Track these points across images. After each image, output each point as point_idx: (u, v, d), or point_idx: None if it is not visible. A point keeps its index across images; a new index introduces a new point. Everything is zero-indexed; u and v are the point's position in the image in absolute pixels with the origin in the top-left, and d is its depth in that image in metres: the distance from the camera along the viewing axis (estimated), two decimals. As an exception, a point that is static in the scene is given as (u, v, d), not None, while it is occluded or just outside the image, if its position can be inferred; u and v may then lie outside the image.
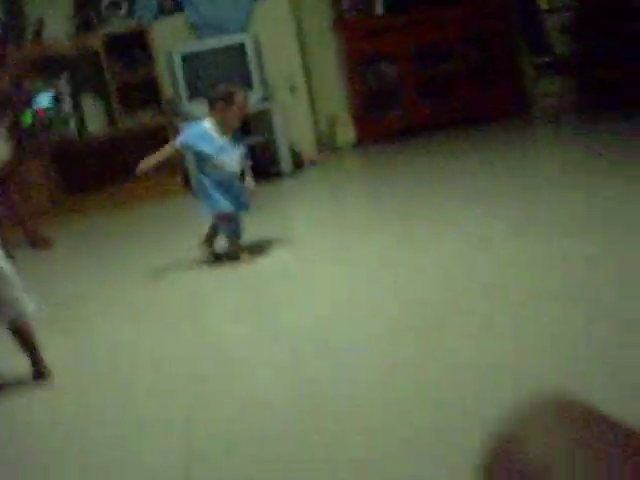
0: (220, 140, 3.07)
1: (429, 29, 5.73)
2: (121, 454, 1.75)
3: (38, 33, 5.06)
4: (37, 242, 4.27)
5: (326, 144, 6.03)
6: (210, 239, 3.35)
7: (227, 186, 3.12)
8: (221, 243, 3.35)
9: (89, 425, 1.95)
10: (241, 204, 3.18)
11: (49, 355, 2.29)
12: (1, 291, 2.13)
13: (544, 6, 5.74)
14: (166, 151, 3.13)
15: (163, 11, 5.54)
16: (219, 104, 3.03)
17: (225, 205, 3.11)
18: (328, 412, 1.77)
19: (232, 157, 3.10)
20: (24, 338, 2.22)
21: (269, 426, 1.74)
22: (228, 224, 3.20)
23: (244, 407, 1.87)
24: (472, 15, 5.76)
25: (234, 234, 3.24)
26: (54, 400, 2.16)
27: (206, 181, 3.10)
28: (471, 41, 5.83)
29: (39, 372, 2.25)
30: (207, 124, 3.08)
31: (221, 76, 5.09)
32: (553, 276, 2.39)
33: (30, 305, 2.19)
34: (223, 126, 3.07)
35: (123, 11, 5.03)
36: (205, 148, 3.06)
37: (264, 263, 3.20)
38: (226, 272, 3.19)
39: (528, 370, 1.76)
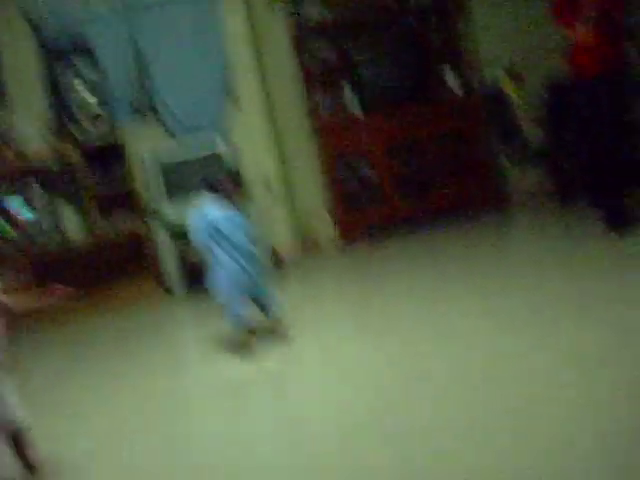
0: None
1: (403, 126, 5.81)
2: None
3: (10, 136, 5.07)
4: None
5: (306, 241, 5.98)
6: None
7: None
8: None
9: None
10: None
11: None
12: None
13: (514, 98, 5.88)
14: None
15: (137, 111, 5.58)
16: None
17: None
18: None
19: None
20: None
21: None
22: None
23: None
24: (444, 111, 5.88)
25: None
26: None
27: None
28: (444, 136, 5.91)
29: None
30: None
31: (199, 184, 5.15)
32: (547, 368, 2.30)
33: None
34: None
35: (104, 125, 5.07)
36: None
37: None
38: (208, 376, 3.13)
39: None
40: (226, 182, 3.34)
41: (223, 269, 3.22)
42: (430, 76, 6.01)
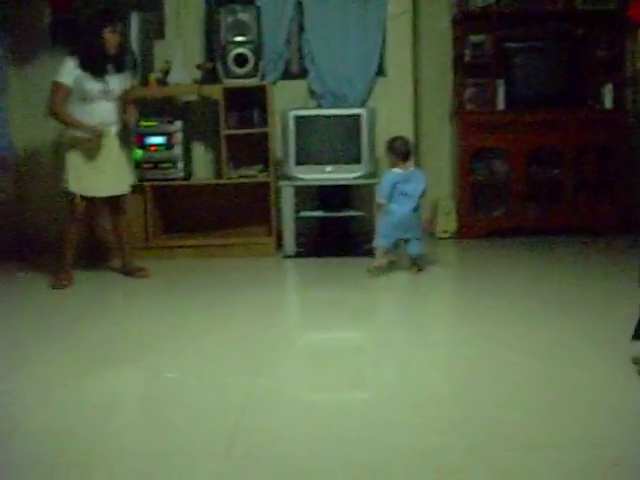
0: None
1: (547, 131, 5.60)
2: None
3: (165, 73, 5.16)
4: (134, 271, 4.44)
5: (424, 229, 5.85)
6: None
7: None
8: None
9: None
10: None
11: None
12: None
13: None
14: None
15: (288, 74, 5.63)
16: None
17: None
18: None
19: None
20: None
21: None
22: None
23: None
24: (591, 123, 5.62)
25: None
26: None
27: None
28: (586, 148, 5.65)
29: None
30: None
31: (332, 144, 5.10)
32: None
33: None
34: None
35: (249, 67, 5.08)
36: None
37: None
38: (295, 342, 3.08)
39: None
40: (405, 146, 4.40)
41: (392, 216, 4.29)
42: (584, 85, 5.74)
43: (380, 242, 4.36)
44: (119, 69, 4.24)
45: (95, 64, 4.09)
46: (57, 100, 4.05)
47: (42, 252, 5.26)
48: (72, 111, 4.08)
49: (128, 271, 4.47)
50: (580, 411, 2.13)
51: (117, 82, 4.21)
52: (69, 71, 4.05)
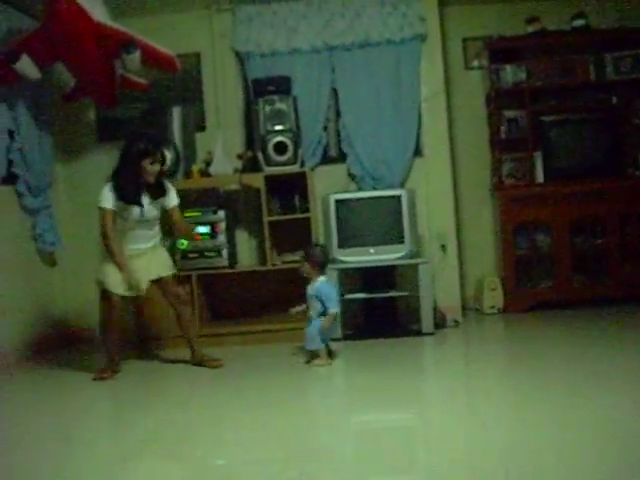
0: None
1: (588, 201, 5.58)
2: None
3: (207, 164, 5.28)
4: (206, 361, 4.41)
5: (470, 306, 5.84)
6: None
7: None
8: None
9: None
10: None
11: None
12: None
13: None
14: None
15: (327, 159, 5.73)
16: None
17: None
18: None
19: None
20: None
21: None
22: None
23: None
24: (631, 189, 5.60)
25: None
26: None
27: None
28: (629, 217, 5.61)
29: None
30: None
31: (373, 226, 5.13)
32: None
33: None
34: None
35: (289, 154, 5.18)
36: None
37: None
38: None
39: None
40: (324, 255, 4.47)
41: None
42: (622, 153, 5.73)
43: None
44: (158, 196, 4.23)
45: (131, 195, 4.11)
46: (107, 226, 4.09)
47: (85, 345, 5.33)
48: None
49: (199, 362, 4.44)
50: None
51: (155, 208, 4.24)
52: (108, 196, 4.08)
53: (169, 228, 4.57)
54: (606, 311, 5.39)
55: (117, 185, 4.09)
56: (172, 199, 4.33)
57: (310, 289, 4.36)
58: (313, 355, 4.33)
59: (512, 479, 2.27)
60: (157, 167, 4.15)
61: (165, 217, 4.39)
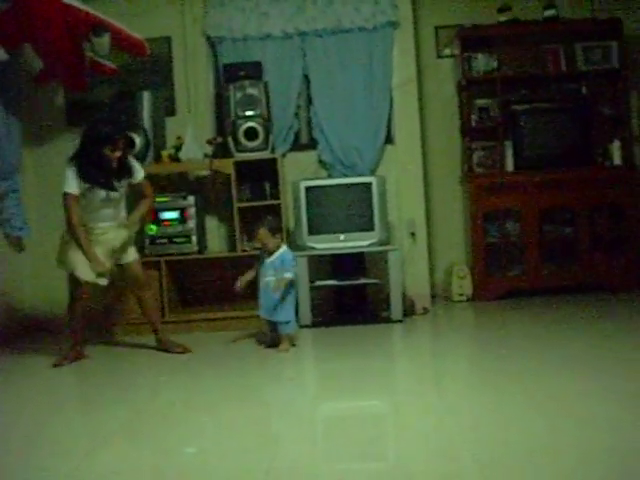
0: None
1: (558, 190, 5.63)
2: None
3: (177, 150, 5.24)
4: (172, 347, 4.38)
5: (439, 294, 5.87)
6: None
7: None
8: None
9: None
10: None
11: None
12: None
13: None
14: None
15: (298, 145, 5.71)
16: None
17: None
18: None
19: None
20: None
21: None
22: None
23: None
24: (602, 181, 5.65)
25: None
26: None
27: None
28: (599, 207, 5.67)
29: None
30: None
31: (343, 213, 5.13)
32: None
33: None
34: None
35: (260, 140, 5.15)
36: None
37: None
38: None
39: None
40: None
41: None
42: (592, 143, 5.78)
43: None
44: (124, 176, 4.18)
45: (100, 179, 4.05)
46: (72, 212, 4.03)
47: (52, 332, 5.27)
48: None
49: (165, 347, 4.41)
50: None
51: (120, 187, 4.18)
52: (72, 181, 4.02)
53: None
54: (575, 299, 5.45)
55: (81, 169, 4.03)
56: (138, 173, 4.28)
57: (269, 262, 4.33)
58: (271, 333, 4.40)
59: (481, 461, 2.28)
60: (118, 154, 4.07)
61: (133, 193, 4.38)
